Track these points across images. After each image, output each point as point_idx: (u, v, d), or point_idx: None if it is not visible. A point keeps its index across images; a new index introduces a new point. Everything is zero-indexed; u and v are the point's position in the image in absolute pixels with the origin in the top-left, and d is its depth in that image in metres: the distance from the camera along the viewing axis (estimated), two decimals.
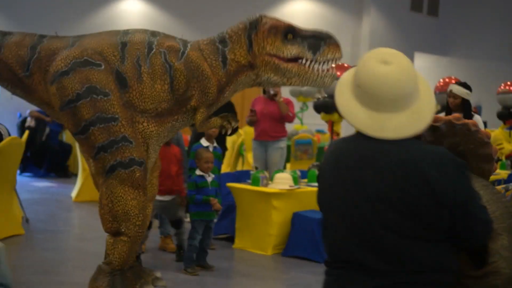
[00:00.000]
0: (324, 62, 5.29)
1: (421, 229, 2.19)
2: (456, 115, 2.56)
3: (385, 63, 2.25)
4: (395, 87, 2.23)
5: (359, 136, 2.31)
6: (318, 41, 5.29)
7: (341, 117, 9.25)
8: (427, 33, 18.41)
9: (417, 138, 2.31)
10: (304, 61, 5.30)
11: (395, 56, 2.28)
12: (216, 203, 6.60)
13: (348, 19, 16.82)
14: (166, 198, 6.88)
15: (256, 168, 8.46)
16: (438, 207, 2.17)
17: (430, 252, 2.21)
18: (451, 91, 7.45)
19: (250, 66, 5.43)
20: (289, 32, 5.33)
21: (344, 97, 2.33)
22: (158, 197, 6.49)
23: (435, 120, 2.48)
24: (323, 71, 5.33)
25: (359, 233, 2.25)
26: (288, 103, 8.81)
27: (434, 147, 2.29)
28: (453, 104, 7.37)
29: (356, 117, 2.28)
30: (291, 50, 5.31)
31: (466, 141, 2.48)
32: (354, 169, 2.28)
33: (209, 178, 6.64)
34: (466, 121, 2.49)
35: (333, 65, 5.34)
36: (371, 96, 2.25)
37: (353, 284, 2.26)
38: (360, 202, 2.24)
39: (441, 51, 18.77)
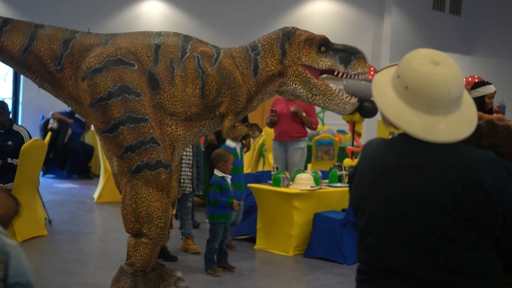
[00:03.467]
0: (354, 75, 5.43)
1: (475, 237, 2.13)
2: (499, 115, 2.48)
3: (435, 63, 2.17)
4: (449, 89, 2.16)
5: (405, 139, 2.22)
6: (348, 55, 5.42)
7: (362, 117, 9.24)
8: (449, 32, 18.27)
9: (463, 141, 2.23)
10: (336, 73, 5.42)
11: (441, 56, 2.21)
12: (237, 205, 6.62)
13: (369, 19, 16.73)
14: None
15: (277, 168, 8.44)
16: (494, 214, 2.11)
17: (481, 259, 2.15)
18: (495, 91, 8.07)
19: (279, 75, 5.47)
20: (323, 45, 5.45)
21: (388, 99, 2.24)
22: None
23: (478, 117, 2.39)
24: (347, 97, 5.48)
25: (409, 242, 2.17)
26: (310, 109, 8.78)
27: (485, 152, 2.20)
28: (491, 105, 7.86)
29: (406, 120, 2.19)
30: (326, 62, 5.42)
31: (506, 142, 2.41)
32: (401, 175, 2.20)
33: (229, 179, 6.64)
34: (509, 122, 2.42)
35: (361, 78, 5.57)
36: (424, 98, 2.16)
37: None
38: (410, 210, 2.16)
39: (463, 50, 18.61)
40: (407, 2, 17.27)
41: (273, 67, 5.49)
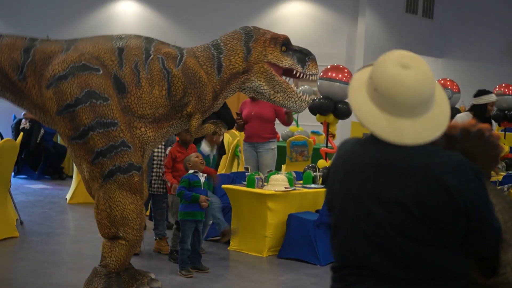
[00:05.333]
0: (309, 76, 5.67)
1: (438, 236, 2.15)
2: (472, 121, 2.50)
3: (404, 67, 2.18)
4: (415, 93, 2.16)
5: (374, 140, 2.24)
6: (303, 56, 5.65)
7: (336, 119, 9.28)
8: (422, 35, 18.42)
9: (432, 143, 2.25)
10: (294, 72, 5.62)
11: (414, 60, 2.21)
12: (204, 200, 6.55)
13: (344, 21, 16.81)
14: None
15: (248, 169, 8.46)
16: (456, 214, 2.13)
17: (446, 258, 2.17)
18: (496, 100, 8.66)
19: (243, 73, 5.54)
20: (285, 45, 5.64)
21: (359, 100, 2.25)
22: None
23: (452, 128, 2.41)
24: (302, 95, 5.71)
25: (374, 239, 2.20)
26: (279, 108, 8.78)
27: (451, 153, 2.23)
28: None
29: (374, 122, 2.21)
30: (287, 61, 5.60)
31: (478, 144, 2.43)
32: (369, 174, 2.23)
33: (202, 178, 6.62)
34: (480, 126, 2.44)
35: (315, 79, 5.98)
36: (390, 101, 2.18)
37: None
38: (376, 208, 2.19)
39: (436, 53, 18.77)
40: (380, 5, 17.38)
41: (237, 65, 5.57)
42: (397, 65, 2.19)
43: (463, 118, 8.85)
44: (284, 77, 5.69)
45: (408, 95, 2.16)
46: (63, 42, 5.55)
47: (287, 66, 5.59)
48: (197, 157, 6.67)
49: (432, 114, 2.21)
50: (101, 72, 5.33)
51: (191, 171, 6.60)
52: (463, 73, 17.06)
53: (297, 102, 5.68)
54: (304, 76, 5.64)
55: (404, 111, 2.18)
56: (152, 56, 5.47)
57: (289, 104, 5.69)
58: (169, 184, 7.03)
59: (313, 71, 5.64)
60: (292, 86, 5.67)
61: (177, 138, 7.64)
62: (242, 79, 5.61)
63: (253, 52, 5.56)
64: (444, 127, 2.22)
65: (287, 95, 5.63)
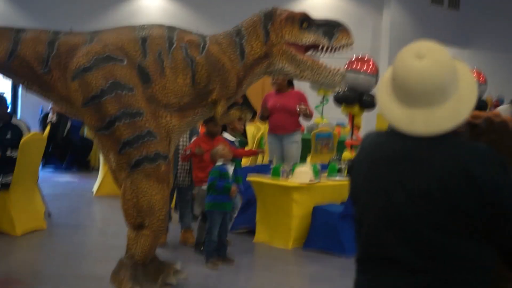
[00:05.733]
0: (339, 48, 5.47)
1: (463, 226, 2.13)
2: (495, 112, 2.49)
3: (419, 57, 2.19)
4: (424, 82, 2.17)
5: (398, 131, 2.25)
6: (331, 28, 5.47)
7: (362, 110, 9.25)
8: (448, 26, 18.27)
9: (456, 135, 2.24)
10: (321, 47, 5.46)
11: (430, 50, 2.21)
12: (234, 190, 6.59)
13: (369, 12, 16.73)
14: None
15: (272, 161, 8.46)
16: (481, 203, 2.11)
17: (471, 250, 2.16)
18: None
19: (266, 57, 5.52)
20: (304, 21, 5.50)
21: (383, 92, 2.29)
22: (204, 187, 6.76)
23: (475, 117, 2.41)
24: (334, 69, 5.52)
25: (398, 230, 2.19)
26: (303, 99, 8.74)
27: (477, 143, 2.22)
28: None
29: (390, 112, 2.24)
30: (309, 37, 5.47)
31: (503, 137, 2.42)
32: (393, 164, 2.23)
33: (231, 169, 6.64)
34: (505, 118, 2.43)
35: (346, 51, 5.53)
36: (403, 91, 2.21)
37: (391, 282, 2.20)
38: (400, 198, 2.19)
39: (462, 44, 18.61)
40: None
41: (258, 49, 5.54)
42: (413, 55, 2.21)
43: (505, 111, 8.75)
44: (312, 54, 5.57)
45: (417, 84, 2.17)
46: (87, 34, 5.57)
47: (308, 42, 5.48)
48: (224, 148, 6.68)
49: (449, 105, 2.20)
50: (125, 62, 5.36)
51: (220, 163, 6.62)
52: (490, 64, 16.88)
53: (329, 77, 5.55)
54: (333, 49, 5.48)
55: (416, 100, 2.19)
56: (175, 44, 5.48)
57: (320, 80, 5.58)
58: (187, 152, 7.02)
59: (343, 42, 5.45)
60: (320, 61, 5.53)
61: (201, 130, 7.67)
62: (266, 63, 5.58)
63: (271, 34, 5.51)
64: (460, 118, 2.20)
65: (315, 71, 5.53)
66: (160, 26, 5.64)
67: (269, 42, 5.52)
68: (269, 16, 5.56)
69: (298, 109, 8.59)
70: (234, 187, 6.56)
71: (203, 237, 6.90)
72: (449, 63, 2.21)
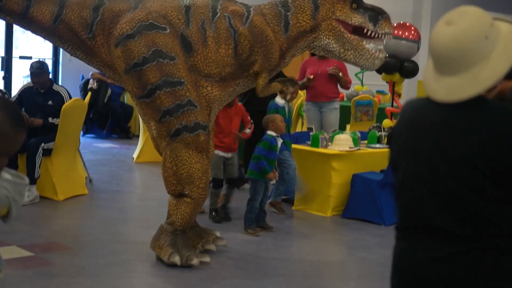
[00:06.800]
0: (382, 35, 5.51)
1: (505, 193, 2.13)
2: None
3: (448, 23, 2.19)
4: (446, 49, 2.17)
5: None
6: (376, 14, 5.50)
7: (402, 78, 9.13)
8: None
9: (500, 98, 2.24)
10: (366, 31, 5.46)
11: (460, 16, 2.19)
12: (273, 177, 6.63)
13: None
14: (228, 155, 6.98)
15: (311, 129, 8.42)
16: None
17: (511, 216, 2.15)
18: None
19: (311, 31, 5.46)
20: (355, 2, 5.49)
21: (429, 61, 2.31)
22: (221, 153, 6.83)
23: (502, 92, 2.38)
24: (376, 52, 5.53)
25: (440, 197, 2.18)
26: (343, 69, 8.65)
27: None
28: None
29: (425, 78, 2.27)
30: (358, 18, 5.47)
31: None
32: (432, 131, 2.22)
33: (279, 142, 6.63)
34: None
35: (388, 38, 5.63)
36: (433, 57, 2.23)
37: (432, 249, 2.20)
38: (440, 164, 2.18)
39: (508, 10, 18.21)
40: None
41: (304, 23, 5.49)
42: (444, 21, 2.21)
43: None
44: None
45: (442, 50, 2.19)
46: (131, 1, 5.57)
47: (357, 23, 5.47)
48: (282, 121, 6.65)
49: (474, 72, 2.17)
50: (168, 31, 5.35)
51: (271, 134, 6.61)
52: None
53: (369, 60, 5.56)
54: (377, 34, 5.49)
55: (442, 67, 2.20)
56: (218, 14, 5.45)
57: (361, 62, 5.58)
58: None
59: (386, 30, 5.51)
60: (364, 43, 5.53)
61: None
62: (311, 37, 5.53)
63: (321, 9, 5.46)
64: (483, 86, 2.17)
65: (358, 52, 5.52)
66: None
67: (318, 16, 5.46)
68: None
69: (329, 71, 8.50)
70: (271, 175, 6.57)
71: (216, 204, 7.00)
72: (479, 29, 2.17)
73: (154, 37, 5.30)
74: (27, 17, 5.46)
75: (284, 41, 5.52)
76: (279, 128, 6.61)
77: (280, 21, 5.50)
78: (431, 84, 2.24)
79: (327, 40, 5.51)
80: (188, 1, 5.49)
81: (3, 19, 5.59)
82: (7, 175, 2.32)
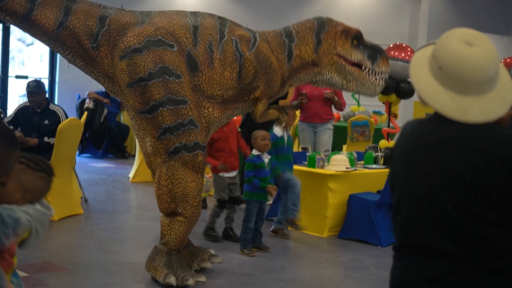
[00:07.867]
0: (379, 73, 5.68)
1: (498, 215, 2.13)
2: None
3: (469, 44, 2.18)
4: (480, 70, 2.16)
5: (438, 118, 2.24)
6: (375, 52, 5.69)
7: (399, 98, 9.14)
8: (487, 12, 17.95)
9: (496, 123, 2.23)
10: (363, 68, 5.64)
11: (478, 37, 2.21)
12: (272, 191, 6.62)
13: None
14: (232, 174, 7.01)
15: (306, 149, 8.44)
16: None
17: (505, 239, 2.14)
18: None
19: (313, 64, 5.59)
20: (356, 38, 5.67)
21: (423, 79, 2.25)
22: (227, 174, 6.88)
23: None
24: (376, 79, 5.69)
25: (434, 217, 2.19)
26: (338, 91, 8.71)
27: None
28: None
29: (438, 100, 2.21)
30: (357, 55, 5.64)
31: None
32: (430, 152, 2.23)
33: (266, 159, 6.63)
34: None
35: (384, 77, 5.77)
36: (455, 79, 2.18)
37: (428, 269, 2.20)
38: (436, 185, 2.18)
39: (502, 31, 18.29)
40: None
41: (306, 55, 5.63)
42: (462, 42, 2.19)
43: None
44: None
45: (474, 72, 2.16)
46: (138, 15, 5.52)
47: (356, 60, 5.63)
48: (264, 139, 6.65)
49: (497, 91, 2.20)
50: (175, 48, 5.35)
51: (255, 153, 6.62)
52: None
53: (370, 88, 5.72)
54: (373, 73, 5.64)
55: (470, 88, 2.17)
56: (226, 37, 5.49)
57: (363, 91, 5.76)
58: (210, 166, 6.93)
59: (383, 69, 5.68)
60: (364, 73, 5.66)
61: None
62: (313, 71, 5.67)
63: (324, 43, 5.61)
64: (509, 104, 2.20)
65: (360, 82, 5.68)
66: (211, 15, 5.64)
67: (320, 51, 5.62)
68: (323, 25, 5.67)
69: (325, 95, 8.60)
70: (270, 188, 6.57)
71: (214, 223, 7.01)
72: (495, 51, 2.22)
73: (162, 53, 5.29)
74: (29, 20, 5.32)
75: (286, 70, 5.64)
76: (260, 147, 6.62)
77: (283, 50, 5.63)
78: (448, 105, 2.19)
79: (330, 74, 5.67)
80: (196, 21, 5.50)
81: (3, 19, 5.44)
82: (38, 205, 2.38)
